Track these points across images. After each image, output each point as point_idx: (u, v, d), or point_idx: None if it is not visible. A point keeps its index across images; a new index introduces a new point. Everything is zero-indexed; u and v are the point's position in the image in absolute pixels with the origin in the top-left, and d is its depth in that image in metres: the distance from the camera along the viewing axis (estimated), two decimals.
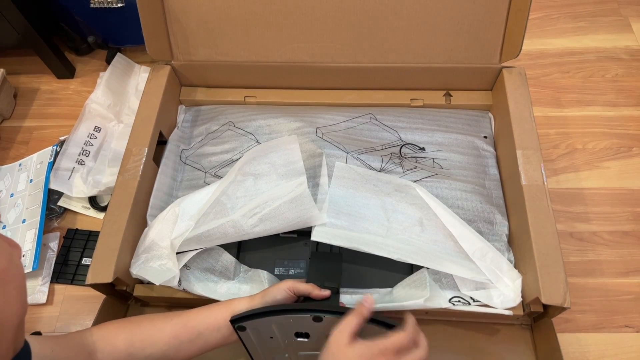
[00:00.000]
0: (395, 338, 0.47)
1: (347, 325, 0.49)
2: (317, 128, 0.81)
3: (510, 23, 0.75)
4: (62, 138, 0.96)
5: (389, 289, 0.67)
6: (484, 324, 0.69)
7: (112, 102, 0.97)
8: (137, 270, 0.66)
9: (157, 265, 0.66)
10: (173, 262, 0.66)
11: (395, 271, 0.69)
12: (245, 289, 0.67)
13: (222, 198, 0.68)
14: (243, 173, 0.70)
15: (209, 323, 0.56)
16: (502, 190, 0.76)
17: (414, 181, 0.74)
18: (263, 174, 0.70)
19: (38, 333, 0.75)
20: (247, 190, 0.69)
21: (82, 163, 0.91)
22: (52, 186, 0.86)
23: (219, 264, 0.69)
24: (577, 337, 0.72)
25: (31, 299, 0.79)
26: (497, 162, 0.79)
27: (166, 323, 0.56)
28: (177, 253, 0.66)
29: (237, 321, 0.54)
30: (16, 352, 0.38)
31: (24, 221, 0.84)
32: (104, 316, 0.67)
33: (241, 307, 0.56)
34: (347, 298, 0.65)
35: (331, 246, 0.68)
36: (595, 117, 0.94)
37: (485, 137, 0.81)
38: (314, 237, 0.66)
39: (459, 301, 0.64)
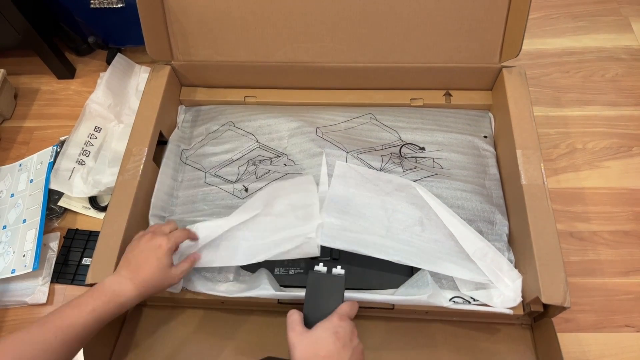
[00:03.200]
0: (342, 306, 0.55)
1: (293, 320, 0.53)
2: (317, 128, 0.81)
3: (510, 23, 0.75)
4: (62, 138, 0.96)
5: (391, 290, 0.67)
6: (484, 323, 0.69)
7: (113, 102, 0.97)
8: None
9: None
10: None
11: (396, 272, 0.68)
12: (244, 287, 0.67)
13: (237, 233, 0.68)
14: (266, 213, 0.70)
15: (101, 324, 0.54)
16: (502, 190, 0.76)
17: (414, 181, 0.74)
18: (282, 215, 0.70)
19: None
20: (265, 230, 0.69)
21: (83, 163, 0.91)
22: (53, 186, 0.86)
23: (218, 270, 0.70)
24: (578, 336, 0.72)
25: (31, 299, 0.79)
26: (497, 161, 0.79)
27: (52, 344, 0.50)
28: None
29: None
30: None
31: (24, 221, 0.84)
32: None
33: (132, 299, 0.56)
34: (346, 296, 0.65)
35: (330, 251, 0.68)
36: (595, 116, 0.94)
37: (485, 136, 0.81)
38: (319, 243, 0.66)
39: (459, 299, 0.64)
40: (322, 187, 0.72)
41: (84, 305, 0.53)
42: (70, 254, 0.83)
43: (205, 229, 0.67)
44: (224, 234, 0.67)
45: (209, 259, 0.67)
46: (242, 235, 0.68)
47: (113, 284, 0.56)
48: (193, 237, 0.65)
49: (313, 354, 0.49)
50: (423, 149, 0.80)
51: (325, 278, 0.58)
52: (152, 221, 0.71)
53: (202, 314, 0.72)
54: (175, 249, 0.61)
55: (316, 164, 0.76)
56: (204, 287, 0.67)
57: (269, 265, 0.71)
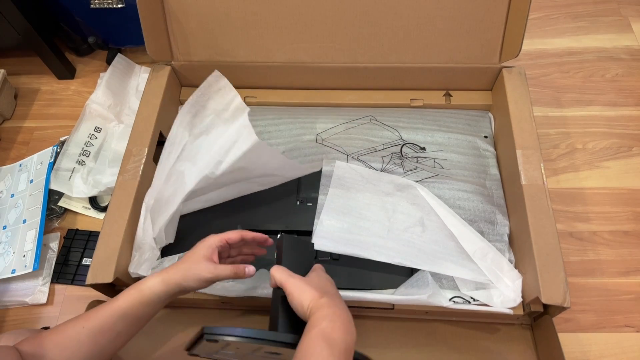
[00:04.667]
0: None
1: (283, 270, 0.53)
2: (317, 135, 0.81)
3: (510, 23, 0.75)
4: (62, 138, 0.96)
5: (392, 290, 0.67)
6: (484, 323, 0.69)
7: (113, 102, 0.97)
8: (133, 269, 0.66)
9: (147, 256, 0.67)
10: (155, 249, 0.67)
11: (396, 272, 0.68)
12: (240, 287, 0.67)
13: (179, 168, 0.68)
14: (195, 135, 0.69)
15: (126, 318, 0.53)
16: (502, 190, 0.76)
17: (415, 182, 0.73)
18: (211, 127, 0.68)
19: (47, 329, 0.75)
20: (200, 147, 0.67)
21: (83, 163, 0.91)
22: (53, 186, 0.86)
23: None
24: (577, 336, 0.72)
25: (31, 299, 0.79)
26: (498, 161, 0.79)
27: (80, 334, 0.52)
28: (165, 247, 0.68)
29: (208, 335, 0.50)
30: None
31: (24, 221, 0.84)
32: None
33: (154, 288, 0.54)
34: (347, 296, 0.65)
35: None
36: (595, 116, 0.95)
37: (485, 137, 0.81)
38: (316, 246, 0.65)
39: (459, 299, 0.64)
40: (321, 189, 0.72)
41: (112, 302, 0.54)
42: (70, 254, 0.83)
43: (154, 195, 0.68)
44: (170, 178, 0.67)
45: (170, 208, 0.66)
46: (184, 167, 0.67)
47: (143, 281, 0.55)
48: (246, 237, 0.60)
49: (323, 291, 0.50)
50: (424, 149, 0.80)
51: (296, 241, 0.61)
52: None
53: (202, 313, 0.72)
54: (223, 246, 0.57)
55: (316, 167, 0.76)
56: None
57: (268, 265, 0.70)
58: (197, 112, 0.70)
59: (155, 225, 0.67)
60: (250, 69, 0.84)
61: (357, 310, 0.70)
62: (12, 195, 0.89)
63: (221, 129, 0.66)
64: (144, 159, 0.73)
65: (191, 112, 0.71)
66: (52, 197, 0.88)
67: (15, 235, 0.83)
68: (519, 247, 0.68)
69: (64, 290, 0.81)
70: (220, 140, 0.65)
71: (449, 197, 0.73)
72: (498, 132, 0.81)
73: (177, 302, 0.72)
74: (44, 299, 0.79)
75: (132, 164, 0.73)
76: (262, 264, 0.71)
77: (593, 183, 0.86)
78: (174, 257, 0.67)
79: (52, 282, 0.81)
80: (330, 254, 0.69)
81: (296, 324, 0.50)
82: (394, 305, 0.65)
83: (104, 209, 0.87)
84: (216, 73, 0.68)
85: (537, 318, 0.67)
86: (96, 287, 0.65)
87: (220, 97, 0.68)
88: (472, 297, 0.64)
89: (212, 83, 0.69)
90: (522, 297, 0.63)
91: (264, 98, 0.87)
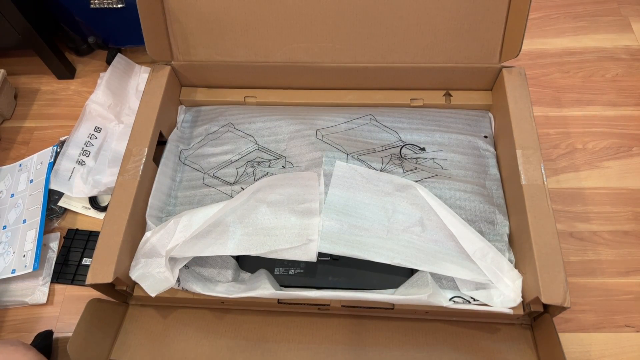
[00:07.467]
0: None
1: None
2: (317, 130, 0.81)
3: (510, 23, 0.75)
4: (62, 138, 0.96)
5: (392, 290, 0.67)
6: (484, 323, 0.69)
7: (113, 102, 0.97)
8: (135, 276, 0.66)
9: (156, 272, 0.66)
10: (170, 272, 0.65)
11: (396, 272, 0.68)
12: (243, 287, 0.67)
13: (227, 219, 0.67)
14: (257, 199, 0.69)
15: None
16: (502, 190, 0.76)
17: (415, 182, 0.73)
18: (276, 204, 0.68)
19: (50, 332, 0.75)
20: (256, 218, 0.68)
21: (83, 163, 0.91)
22: (53, 186, 0.86)
23: (217, 270, 0.70)
24: (578, 336, 0.72)
25: (31, 299, 0.79)
26: (498, 161, 0.79)
27: None
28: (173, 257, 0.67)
29: None
30: None
31: (24, 221, 0.84)
32: (89, 319, 0.66)
33: None
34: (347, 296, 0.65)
35: None
36: (595, 116, 0.95)
37: (485, 136, 0.81)
38: (318, 248, 0.65)
39: (459, 298, 0.64)
40: (320, 189, 0.72)
41: None
42: (70, 254, 0.83)
43: (194, 216, 0.67)
44: (213, 221, 0.66)
45: (198, 248, 0.66)
46: (232, 221, 0.67)
47: None
48: None
49: None
50: (423, 149, 0.80)
51: None
52: (149, 221, 0.71)
53: (202, 313, 0.72)
54: None
55: (315, 166, 0.75)
56: (203, 287, 0.66)
57: (268, 266, 0.71)
58: (275, 185, 0.69)
59: (175, 254, 0.66)
60: (250, 69, 0.84)
61: (357, 310, 0.70)
62: (12, 195, 0.89)
63: (285, 215, 0.67)
64: (144, 159, 0.73)
65: (272, 183, 0.70)
66: (52, 197, 0.88)
67: (15, 235, 0.83)
68: (519, 247, 0.68)
69: (64, 290, 0.81)
70: (278, 229, 0.66)
71: (448, 197, 0.73)
72: (498, 132, 0.81)
73: (177, 302, 0.72)
74: (43, 299, 0.79)
75: (132, 164, 0.73)
76: (262, 264, 0.71)
77: (593, 183, 0.86)
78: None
79: (52, 282, 0.81)
80: (330, 254, 0.69)
81: None
82: (394, 305, 0.65)
83: (104, 209, 0.87)
84: (313, 174, 0.71)
85: (537, 318, 0.67)
86: (96, 287, 0.65)
87: (302, 190, 0.69)
88: (472, 297, 0.64)
89: (304, 176, 0.70)
90: (522, 297, 0.63)
91: (264, 98, 0.87)
